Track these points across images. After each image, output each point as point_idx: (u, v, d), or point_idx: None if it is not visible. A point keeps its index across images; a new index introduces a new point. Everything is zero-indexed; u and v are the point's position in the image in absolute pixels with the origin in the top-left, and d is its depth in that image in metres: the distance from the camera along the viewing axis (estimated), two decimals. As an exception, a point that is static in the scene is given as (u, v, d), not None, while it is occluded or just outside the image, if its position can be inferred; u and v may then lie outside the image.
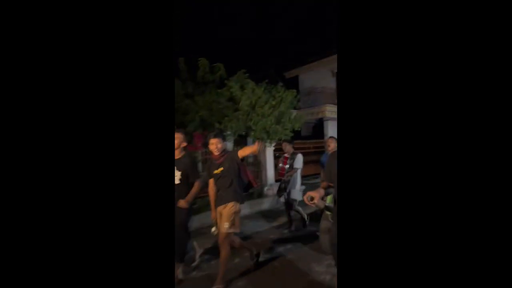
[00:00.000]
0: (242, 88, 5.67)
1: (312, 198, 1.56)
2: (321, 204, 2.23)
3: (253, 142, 6.03)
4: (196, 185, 2.52)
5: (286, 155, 4.15)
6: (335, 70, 12.30)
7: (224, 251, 2.36)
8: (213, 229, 2.59)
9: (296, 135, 6.89)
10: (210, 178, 2.55)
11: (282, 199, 3.98)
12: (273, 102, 5.78)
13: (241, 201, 2.46)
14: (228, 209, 2.36)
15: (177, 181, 2.45)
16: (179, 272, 2.54)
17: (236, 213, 2.39)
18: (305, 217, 4.07)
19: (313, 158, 8.20)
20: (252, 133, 5.70)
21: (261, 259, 2.86)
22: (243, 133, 5.77)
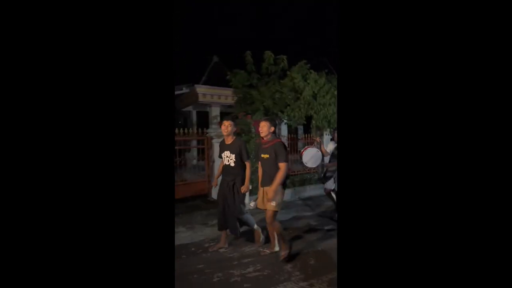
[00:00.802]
0: (304, 78, 5.95)
1: None
2: None
3: (314, 130, 6.33)
4: (248, 166, 2.84)
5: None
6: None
7: (273, 228, 2.62)
8: (252, 203, 2.87)
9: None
10: (258, 160, 2.78)
11: (327, 186, 3.96)
12: (335, 92, 5.96)
13: (284, 185, 2.63)
14: (273, 188, 2.50)
15: (232, 164, 2.81)
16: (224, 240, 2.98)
17: (280, 193, 2.56)
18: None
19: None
20: (314, 122, 5.99)
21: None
22: (304, 122, 6.09)
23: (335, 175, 3.82)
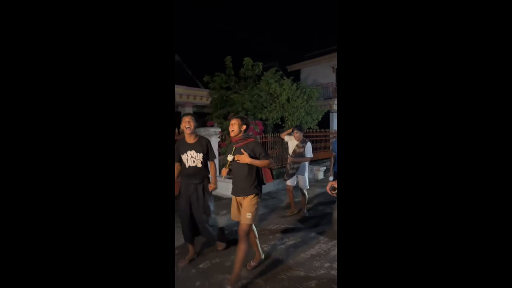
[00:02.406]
0: (279, 84, 6.72)
1: (335, 188, 1.50)
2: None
3: (287, 129, 7.20)
4: (213, 165, 2.59)
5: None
6: (335, 66, 13.59)
7: (243, 245, 2.09)
8: (229, 157, 2.22)
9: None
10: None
11: (289, 183, 3.84)
12: (305, 97, 6.90)
13: (260, 194, 2.26)
14: (249, 200, 2.20)
15: (199, 164, 2.46)
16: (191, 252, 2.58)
17: (255, 204, 2.21)
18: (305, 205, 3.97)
19: (322, 145, 9.68)
20: (288, 122, 6.82)
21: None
22: (279, 121, 6.86)
23: (296, 171, 3.78)
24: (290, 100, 6.78)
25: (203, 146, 2.48)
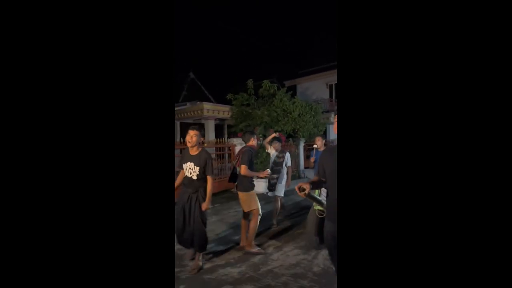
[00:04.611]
0: (292, 101, 8.17)
1: (303, 189, 1.55)
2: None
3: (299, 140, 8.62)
4: (210, 181, 2.59)
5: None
6: (329, 83, 15.28)
7: (250, 223, 2.98)
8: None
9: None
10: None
11: (270, 194, 3.93)
12: (312, 112, 8.40)
13: (249, 189, 2.97)
14: (241, 196, 3.00)
15: (194, 177, 2.53)
16: (199, 260, 2.62)
17: (249, 196, 2.97)
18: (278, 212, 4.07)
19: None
20: (300, 133, 8.26)
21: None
22: (292, 133, 8.29)
23: (277, 180, 3.92)
24: (301, 115, 8.22)
25: (202, 161, 2.55)
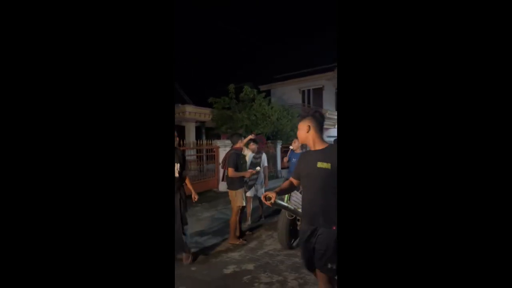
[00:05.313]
0: (270, 106, 8.71)
1: (269, 198, 1.60)
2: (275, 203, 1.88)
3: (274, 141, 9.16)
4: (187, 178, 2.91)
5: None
6: (302, 89, 16.11)
7: (231, 218, 3.37)
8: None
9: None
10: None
11: (249, 194, 4.04)
12: (289, 117, 9.00)
13: (237, 187, 3.32)
14: (230, 193, 3.39)
15: (176, 174, 2.69)
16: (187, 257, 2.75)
17: (235, 193, 3.32)
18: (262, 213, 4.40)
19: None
20: (278, 136, 8.82)
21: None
22: (271, 135, 8.83)
23: (255, 181, 4.09)
24: (279, 119, 8.79)
25: (179, 157, 2.73)
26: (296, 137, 4.34)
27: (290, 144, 4.39)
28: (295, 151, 4.17)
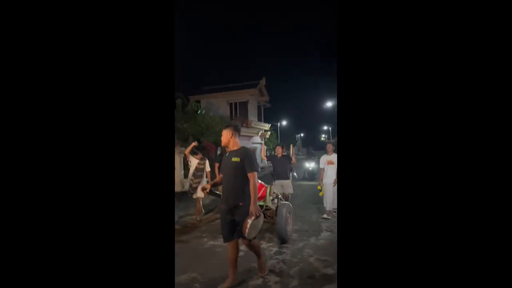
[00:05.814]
0: (212, 118, 10.15)
1: (205, 188, 2.13)
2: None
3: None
4: None
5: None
6: (230, 101, 17.65)
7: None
8: None
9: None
10: None
11: (199, 195, 4.32)
12: (228, 127, 10.66)
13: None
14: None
15: None
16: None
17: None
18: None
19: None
20: (219, 143, 10.29)
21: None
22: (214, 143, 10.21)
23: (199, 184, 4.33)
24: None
25: None
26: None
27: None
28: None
